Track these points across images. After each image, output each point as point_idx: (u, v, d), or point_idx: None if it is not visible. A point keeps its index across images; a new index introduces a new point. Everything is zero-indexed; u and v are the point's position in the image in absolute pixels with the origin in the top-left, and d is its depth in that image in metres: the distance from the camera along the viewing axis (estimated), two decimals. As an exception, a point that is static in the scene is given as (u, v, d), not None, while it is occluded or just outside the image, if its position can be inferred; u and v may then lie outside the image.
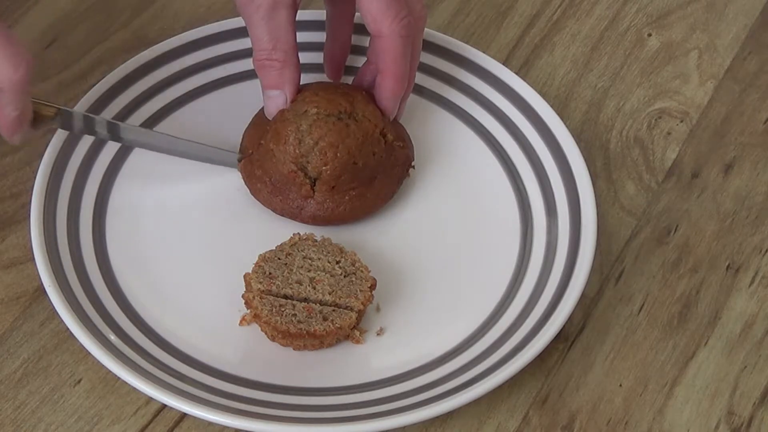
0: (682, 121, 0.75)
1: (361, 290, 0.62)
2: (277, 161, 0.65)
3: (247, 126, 0.69)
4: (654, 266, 0.68)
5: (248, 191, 0.68)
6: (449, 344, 0.62)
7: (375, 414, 0.58)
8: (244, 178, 0.68)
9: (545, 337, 0.60)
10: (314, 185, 0.66)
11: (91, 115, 0.67)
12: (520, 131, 0.71)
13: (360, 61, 0.74)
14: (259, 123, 0.68)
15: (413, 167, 0.69)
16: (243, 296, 0.62)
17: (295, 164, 0.65)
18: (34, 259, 0.62)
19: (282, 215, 0.67)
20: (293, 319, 0.60)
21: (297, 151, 0.65)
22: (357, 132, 0.65)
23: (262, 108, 0.68)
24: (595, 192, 0.67)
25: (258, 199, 0.67)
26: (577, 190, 0.67)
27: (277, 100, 0.66)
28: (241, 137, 0.69)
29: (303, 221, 0.66)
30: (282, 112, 0.66)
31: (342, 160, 0.65)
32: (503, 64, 0.74)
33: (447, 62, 0.74)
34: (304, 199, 0.66)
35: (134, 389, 0.58)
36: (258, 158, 0.67)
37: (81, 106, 0.69)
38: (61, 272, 0.62)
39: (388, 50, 0.63)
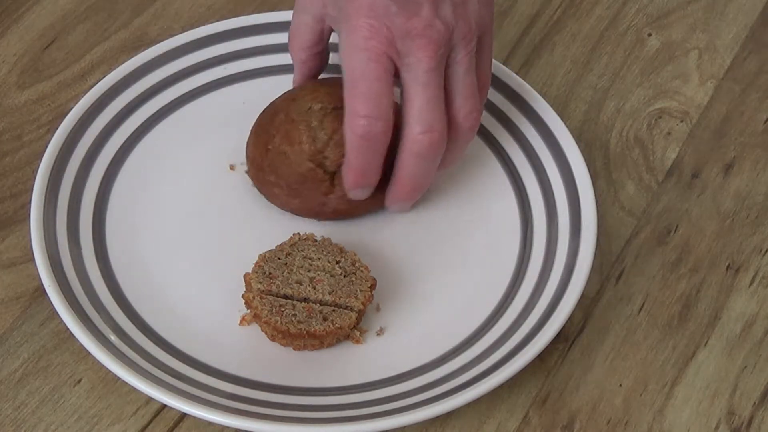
0: (682, 121, 0.75)
1: (361, 290, 0.62)
2: (291, 163, 0.65)
3: (251, 135, 0.68)
4: (654, 266, 0.68)
5: (248, 191, 0.68)
6: (449, 344, 0.62)
7: (375, 414, 0.58)
8: (257, 187, 0.67)
9: (545, 337, 0.60)
10: (333, 180, 0.65)
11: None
12: (520, 131, 0.71)
13: None
14: (261, 131, 0.67)
15: None
16: (243, 296, 0.62)
17: (312, 162, 0.64)
18: (34, 259, 0.62)
19: (301, 215, 0.67)
20: (293, 319, 0.60)
21: (313, 148, 0.64)
22: None
23: (261, 115, 0.68)
24: (595, 192, 0.67)
25: (276, 204, 0.67)
26: (577, 190, 0.67)
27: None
28: (245, 147, 0.68)
29: (325, 218, 0.66)
30: (287, 113, 0.66)
31: None
32: (503, 64, 0.74)
33: (447, 62, 0.74)
34: (325, 196, 0.65)
35: (134, 389, 0.58)
36: (269, 164, 0.66)
37: (81, 106, 0.69)
38: (61, 272, 0.62)
39: (344, 139, 0.62)
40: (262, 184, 0.67)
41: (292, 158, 0.64)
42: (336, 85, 0.66)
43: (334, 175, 0.65)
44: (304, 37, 0.66)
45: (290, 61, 0.74)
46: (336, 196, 0.65)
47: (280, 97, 0.68)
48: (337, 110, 0.64)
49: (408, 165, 0.63)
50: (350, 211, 0.66)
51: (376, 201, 0.66)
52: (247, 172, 0.68)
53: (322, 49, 0.67)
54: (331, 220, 0.66)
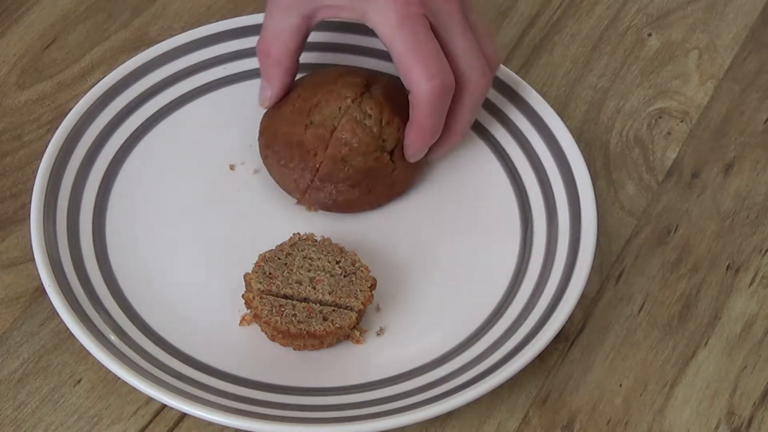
0: (682, 121, 0.75)
1: (361, 290, 0.62)
2: (356, 163, 0.65)
3: (275, 172, 0.67)
4: (654, 266, 0.68)
5: (248, 191, 0.68)
6: (449, 344, 0.62)
7: (375, 414, 0.58)
8: (321, 209, 0.67)
9: (545, 337, 0.60)
10: (392, 158, 0.66)
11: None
12: (520, 131, 0.71)
13: (362, 62, 0.74)
14: (292, 159, 0.66)
15: None
16: (243, 296, 0.62)
17: (377, 151, 0.65)
18: (34, 259, 0.62)
19: (378, 207, 0.68)
20: (293, 319, 0.60)
21: (373, 137, 0.65)
22: (393, 96, 0.66)
23: (274, 151, 0.67)
24: (595, 192, 0.67)
25: (348, 212, 0.67)
26: (577, 190, 0.67)
27: (264, 92, 0.68)
28: (282, 183, 0.67)
29: (393, 199, 0.68)
30: (320, 124, 0.65)
31: (405, 119, 0.65)
32: (503, 64, 0.74)
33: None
34: (391, 175, 0.66)
35: (134, 389, 0.58)
36: (324, 180, 0.65)
37: (81, 106, 0.69)
38: (61, 272, 0.62)
39: (414, 105, 0.63)
40: (325, 202, 0.66)
41: (354, 160, 0.65)
42: (343, 76, 0.66)
43: (392, 154, 0.66)
44: (291, 41, 0.66)
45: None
46: (400, 170, 0.67)
47: (278, 121, 0.67)
48: (364, 95, 0.65)
49: (469, 111, 0.65)
50: (412, 178, 0.68)
51: (424, 160, 0.68)
52: (297, 203, 0.67)
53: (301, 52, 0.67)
54: (396, 199, 0.68)
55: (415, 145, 0.65)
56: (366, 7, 0.62)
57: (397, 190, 0.68)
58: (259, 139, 0.69)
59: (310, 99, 0.66)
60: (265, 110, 0.69)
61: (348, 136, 0.65)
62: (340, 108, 0.65)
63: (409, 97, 0.63)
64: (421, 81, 0.62)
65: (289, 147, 0.66)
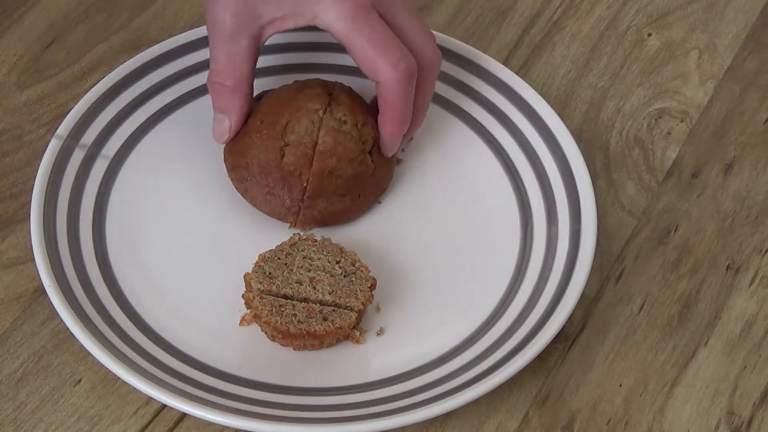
0: (682, 121, 0.75)
1: (361, 290, 0.62)
2: (343, 172, 0.65)
3: (261, 203, 0.66)
4: (654, 266, 0.68)
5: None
6: (449, 344, 0.62)
7: (375, 414, 0.58)
8: (320, 224, 0.67)
9: (545, 337, 0.60)
10: (372, 158, 0.66)
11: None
12: (520, 131, 0.71)
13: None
14: (278, 184, 0.65)
15: None
16: (243, 296, 0.62)
17: (361, 154, 0.65)
18: (34, 259, 0.62)
19: (369, 210, 0.68)
20: (293, 319, 0.60)
21: (356, 142, 0.65)
22: (356, 97, 0.67)
23: (256, 182, 0.66)
24: (595, 192, 0.67)
25: (343, 222, 0.67)
26: (577, 190, 0.67)
27: (222, 125, 0.66)
28: (271, 212, 0.66)
29: (383, 192, 0.68)
30: (298, 144, 0.64)
31: (374, 116, 0.66)
32: (503, 64, 0.74)
33: (446, 62, 0.73)
34: (374, 175, 0.66)
35: (134, 389, 0.58)
36: (314, 196, 0.65)
37: (81, 106, 0.69)
38: (61, 272, 0.62)
39: (384, 95, 0.63)
40: (319, 218, 0.66)
41: (342, 170, 0.65)
42: (303, 88, 0.66)
43: (371, 155, 0.66)
44: (246, 66, 0.64)
45: (291, 61, 0.74)
46: (378, 169, 0.67)
47: (248, 153, 0.66)
48: (331, 103, 0.65)
49: (430, 89, 0.66)
50: (390, 174, 0.68)
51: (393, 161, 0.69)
52: (291, 227, 0.67)
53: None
54: (395, 198, 0.68)
55: (392, 136, 0.65)
56: (314, 9, 0.62)
57: (381, 188, 0.68)
58: (230, 177, 0.67)
59: (278, 121, 0.65)
60: (223, 145, 0.68)
61: (332, 146, 0.64)
62: (313, 122, 0.64)
63: (378, 88, 0.63)
64: (388, 69, 0.62)
65: (268, 174, 0.65)
